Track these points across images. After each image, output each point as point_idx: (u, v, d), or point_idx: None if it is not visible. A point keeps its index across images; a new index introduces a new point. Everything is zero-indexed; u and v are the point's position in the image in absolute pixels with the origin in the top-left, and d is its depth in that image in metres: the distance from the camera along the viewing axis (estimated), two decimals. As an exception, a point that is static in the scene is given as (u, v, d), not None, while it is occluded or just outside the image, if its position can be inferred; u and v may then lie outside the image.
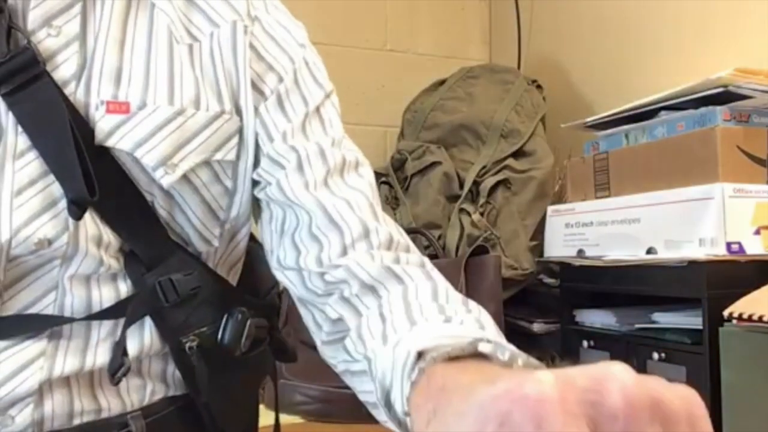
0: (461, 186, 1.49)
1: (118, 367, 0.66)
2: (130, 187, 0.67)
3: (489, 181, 1.46)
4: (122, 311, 0.67)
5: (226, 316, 0.72)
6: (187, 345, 0.70)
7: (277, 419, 0.86)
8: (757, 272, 0.99)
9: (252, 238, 0.83)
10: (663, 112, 1.19)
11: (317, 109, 0.76)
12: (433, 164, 1.52)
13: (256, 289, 0.81)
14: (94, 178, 0.62)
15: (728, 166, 1.06)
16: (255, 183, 0.75)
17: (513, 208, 1.45)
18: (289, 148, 0.72)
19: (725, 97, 1.09)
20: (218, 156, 0.69)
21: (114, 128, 0.65)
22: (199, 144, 0.68)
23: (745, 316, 0.91)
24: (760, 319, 0.88)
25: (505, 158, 1.49)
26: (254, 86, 0.73)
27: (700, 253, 1.03)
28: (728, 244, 1.01)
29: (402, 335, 0.55)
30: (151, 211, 0.68)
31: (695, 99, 1.12)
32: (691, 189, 1.07)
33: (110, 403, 0.69)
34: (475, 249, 1.33)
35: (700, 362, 1.00)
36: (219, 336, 0.71)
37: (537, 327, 1.33)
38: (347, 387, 1.15)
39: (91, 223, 0.65)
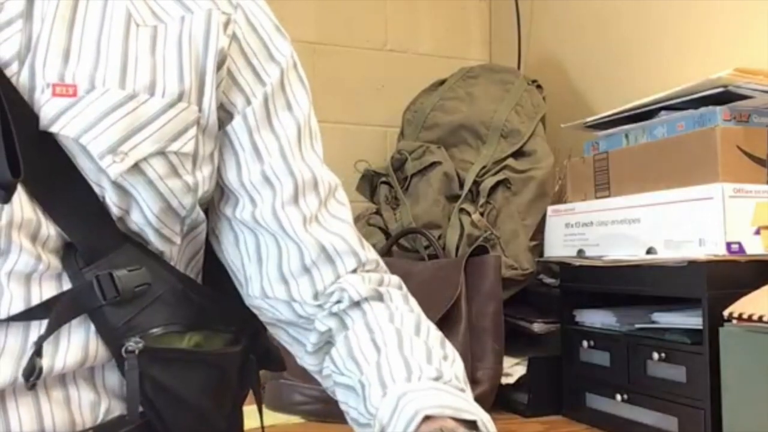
0: (461, 186, 1.49)
1: (31, 371, 0.58)
2: (75, 177, 0.62)
3: (489, 181, 1.46)
4: (50, 310, 0.60)
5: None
6: (127, 348, 0.62)
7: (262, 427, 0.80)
8: (757, 272, 0.99)
9: None
10: (663, 112, 1.19)
11: (308, 121, 0.73)
12: (433, 164, 1.52)
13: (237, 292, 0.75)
14: (21, 159, 0.57)
15: (728, 166, 1.06)
16: (225, 197, 0.71)
17: (513, 208, 1.45)
18: (287, 170, 0.69)
19: (725, 97, 1.08)
20: (174, 147, 0.64)
21: (60, 113, 0.61)
22: (153, 132, 0.63)
23: (745, 316, 0.91)
24: (760, 319, 0.88)
25: (505, 158, 1.49)
26: (234, 80, 0.69)
27: (700, 253, 1.03)
28: (728, 244, 1.01)
29: (402, 388, 0.60)
30: (97, 203, 0.63)
31: (695, 99, 1.12)
32: (691, 189, 1.07)
33: (56, 421, 0.62)
34: (475, 249, 1.33)
35: (700, 362, 1.00)
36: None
37: (537, 327, 1.33)
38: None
39: (28, 211, 0.60)
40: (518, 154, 1.50)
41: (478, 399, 1.23)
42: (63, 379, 0.63)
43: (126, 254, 0.64)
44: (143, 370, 0.63)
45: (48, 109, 0.61)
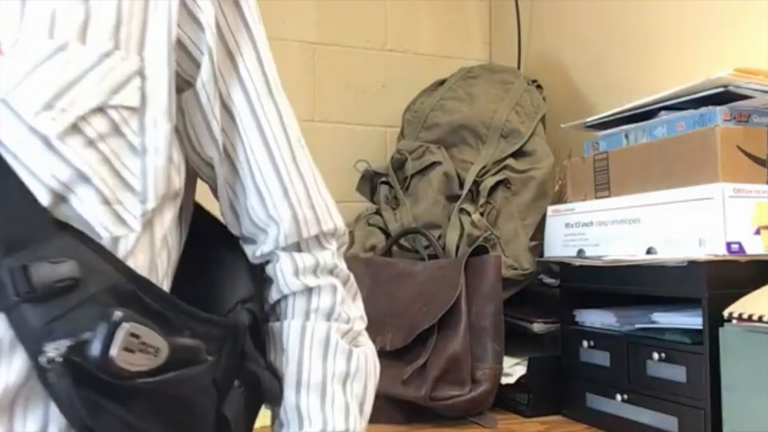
0: (461, 186, 1.49)
1: None
2: None
3: (489, 181, 1.46)
4: None
5: (100, 320, 0.53)
6: (45, 357, 0.52)
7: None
8: (757, 272, 0.99)
9: (221, 237, 0.71)
10: (663, 112, 1.19)
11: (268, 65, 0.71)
12: (433, 164, 1.52)
13: (220, 303, 0.67)
14: None
15: (728, 166, 1.06)
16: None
17: (513, 208, 1.45)
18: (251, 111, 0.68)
19: (725, 97, 1.08)
20: (116, 100, 0.57)
21: None
22: (92, 85, 0.56)
23: (745, 316, 0.91)
24: (760, 319, 0.88)
25: (505, 158, 1.49)
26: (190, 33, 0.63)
27: (700, 253, 1.03)
28: (728, 244, 1.01)
29: None
30: (20, 187, 0.54)
31: (695, 99, 1.12)
32: (691, 189, 1.07)
33: None
34: (475, 249, 1.33)
35: (700, 362, 1.00)
36: (87, 346, 0.52)
37: (537, 327, 1.33)
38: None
39: None
40: (518, 154, 1.50)
41: (478, 399, 1.24)
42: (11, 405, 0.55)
43: (57, 245, 0.54)
44: (70, 385, 0.52)
45: None
